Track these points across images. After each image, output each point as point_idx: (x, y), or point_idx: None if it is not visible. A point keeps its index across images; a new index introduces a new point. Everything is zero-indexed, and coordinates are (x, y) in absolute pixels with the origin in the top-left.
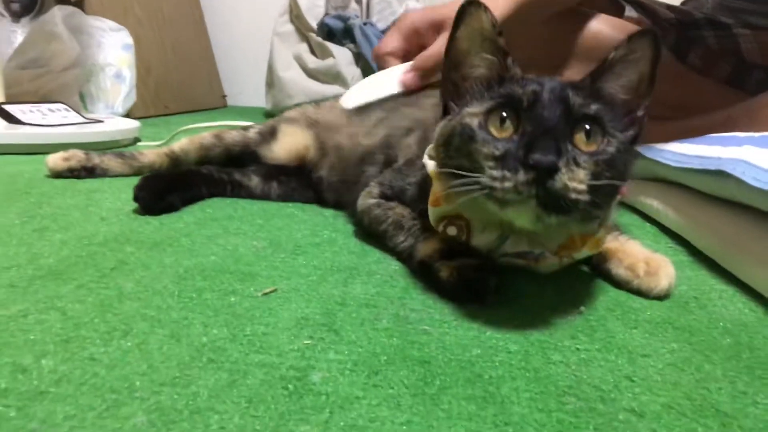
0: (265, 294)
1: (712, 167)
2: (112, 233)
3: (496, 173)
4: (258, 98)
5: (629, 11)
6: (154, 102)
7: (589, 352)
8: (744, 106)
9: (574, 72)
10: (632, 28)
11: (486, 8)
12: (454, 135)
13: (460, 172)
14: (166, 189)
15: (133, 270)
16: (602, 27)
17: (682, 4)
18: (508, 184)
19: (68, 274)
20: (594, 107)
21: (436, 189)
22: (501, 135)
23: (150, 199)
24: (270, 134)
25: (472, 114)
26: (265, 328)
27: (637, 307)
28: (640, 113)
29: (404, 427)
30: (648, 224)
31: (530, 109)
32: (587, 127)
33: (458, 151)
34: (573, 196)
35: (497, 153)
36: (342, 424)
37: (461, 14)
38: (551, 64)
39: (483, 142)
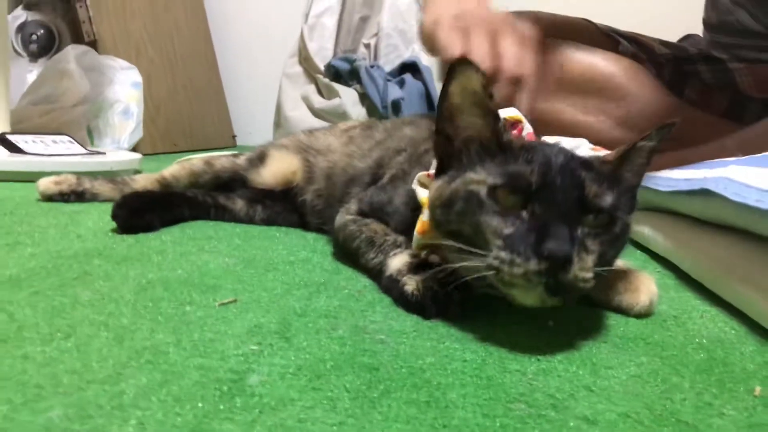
0: (223, 304)
1: (697, 187)
2: (84, 248)
3: (504, 255)
4: (266, 137)
5: (624, 46)
6: (163, 139)
7: (550, 363)
8: (736, 135)
9: (567, 104)
10: (626, 62)
11: (477, 69)
12: (456, 200)
13: (458, 244)
14: (145, 208)
15: (94, 281)
16: (596, 60)
17: (679, 41)
18: (517, 270)
19: (28, 282)
20: (609, 199)
21: (425, 218)
22: (509, 209)
23: (128, 217)
24: (259, 159)
25: (477, 182)
26: (214, 335)
27: (610, 323)
28: (636, 195)
29: (335, 428)
30: (638, 251)
31: (540, 192)
32: (599, 215)
33: (461, 217)
34: (581, 285)
35: (506, 232)
36: (269, 423)
37: (453, 70)
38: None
39: (491, 216)
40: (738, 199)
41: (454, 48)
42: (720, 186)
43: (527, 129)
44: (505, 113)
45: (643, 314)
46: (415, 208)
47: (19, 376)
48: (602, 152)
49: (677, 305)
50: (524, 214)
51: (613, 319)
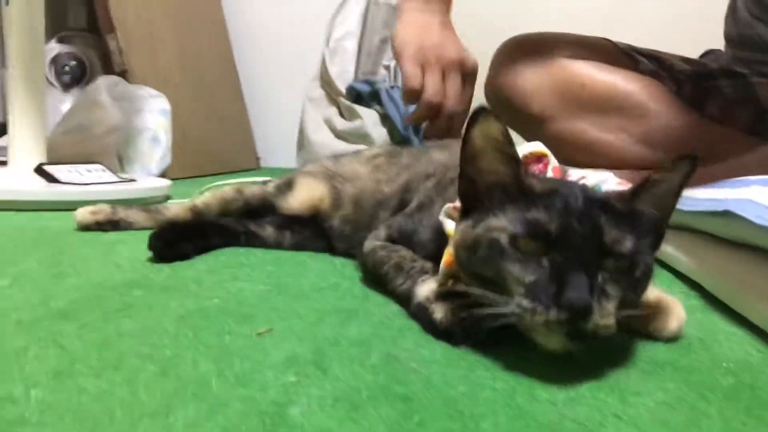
0: (260, 334)
1: (720, 208)
2: (124, 279)
3: (526, 304)
4: (290, 159)
5: (644, 64)
6: (190, 164)
7: (578, 391)
8: (759, 152)
9: (588, 123)
10: (647, 80)
11: (497, 117)
12: (480, 246)
13: (479, 291)
14: (180, 238)
15: (136, 312)
16: (616, 79)
17: (701, 56)
18: (539, 319)
19: (75, 314)
20: (629, 244)
21: (451, 251)
22: (530, 256)
23: (163, 247)
24: (287, 186)
25: (499, 229)
26: (253, 365)
27: (636, 348)
28: (664, 227)
29: None
30: (664, 270)
31: (560, 239)
32: (619, 260)
33: (484, 262)
34: (602, 332)
35: (528, 280)
36: None
37: (474, 118)
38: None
39: (513, 264)
40: (761, 222)
41: (414, 81)
42: (742, 208)
43: (553, 163)
44: (530, 148)
45: (671, 338)
46: (442, 238)
47: (76, 410)
48: (627, 186)
49: (703, 327)
50: (545, 261)
51: (640, 344)
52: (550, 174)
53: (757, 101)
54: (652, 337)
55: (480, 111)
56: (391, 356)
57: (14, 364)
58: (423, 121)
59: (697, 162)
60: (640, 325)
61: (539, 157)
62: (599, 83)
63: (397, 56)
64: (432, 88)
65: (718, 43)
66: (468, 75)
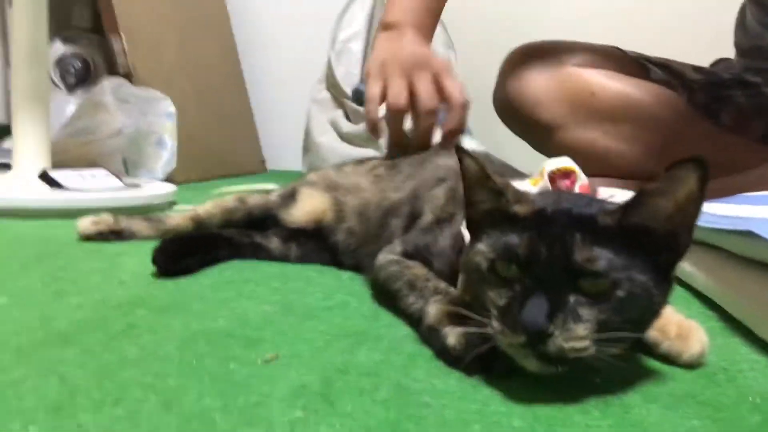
0: (266, 361)
1: (741, 227)
2: (127, 297)
3: (497, 326)
4: (296, 162)
5: (654, 72)
6: (195, 167)
7: (600, 428)
8: None
9: (600, 132)
10: (658, 89)
11: (469, 155)
12: (469, 270)
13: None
14: (184, 252)
15: (139, 334)
16: (627, 88)
17: (712, 65)
18: (506, 341)
19: (76, 337)
20: (603, 263)
21: None
22: (507, 280)
23: (167, 261)
24: (290, 197)
25: (480, 254)
26: (259, 398)
27: (658, 379)
28: (682, 240)
29: None
30: (679, 287)
31: (528, 263)
32: (595, 280)
33: (473, 285)
34: (572, 355)
35: (500, 303)
36: None
37: (458, 155)
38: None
39: (491, 287)
40: None
41: (374, 91)
42: (765, 230)
43: (581, 180)
44: (557, 164)
45: (693, 364)
46: (461, 250)
47: None
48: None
49: (725, 355)
50: (518, 285)
51: (661, 373)
52: (576, 191)
53: None
54: (671, 360)
55: (458, 151)
56: (403, 387)
57: (12, 397)
58: (397, 131)
59: (705, 163)
60: (657, 342)
61: (567, 173)
62: (610, 92)
63: (366, 77)
64: (392, 92)
65: (728, 52)
66: (440, 72)
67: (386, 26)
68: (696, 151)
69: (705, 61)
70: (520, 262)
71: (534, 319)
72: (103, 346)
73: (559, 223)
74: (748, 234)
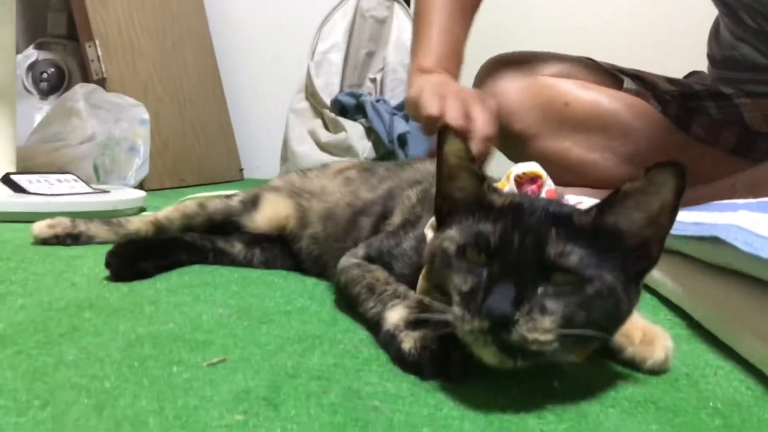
0: (211, 364)
1: (707, 234)
2: (76, 299)
3: (458, 311)
4: (274, 171)
5: (628, 83)
6: (170, 175)
7: None
8: (747, 174)
9: (572, 142)
10: (631, 99)
11: (457, 135)
12: (435, 255)
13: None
14: (140, 255)
15: (82, 336)
16: (600, 98)
17: (685, 77)
18: (466, 327)
19: (13, 339)
20: (574, 258)
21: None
22: (473, 267)
23: (121, 265)
24: (252, 203)
25: (449, 239)
26: (199, 401)
27: (618, 384)
28: (654, 249)
29: None
30: (648, 295)
31: (499, 251)
32: (565, 275)
33: (438, 273)
34: (534, 347)
35: (464, 288)
36: None
37: (441, 137)
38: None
39: (456, 273)
40: (749, 250)
41: (432, 108)
42: (730, 235)
43: (548, 185)
44: (524, 168)
45: (656, 370)
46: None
47: None
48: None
49: (689, 360)
50: (485, 272)
51: (621, 378)
52: (543, 196)
53: (742, 122)
54: (634, 366)
55: (443, 131)
56: (353, 391)
57: None
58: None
59: (685, 170)
60: (621, 348)
61: (533, 178)
62: (583, 102)
63: (413, 105)
64: (453, 112)
65: (701, 64)
66: (490, 108)
67: (423, 70)
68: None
69: (678, 73)
70: (490, 250)
71: (499, 305)
72: (40, 348)
73: (534, 216)
74: (714, 240)
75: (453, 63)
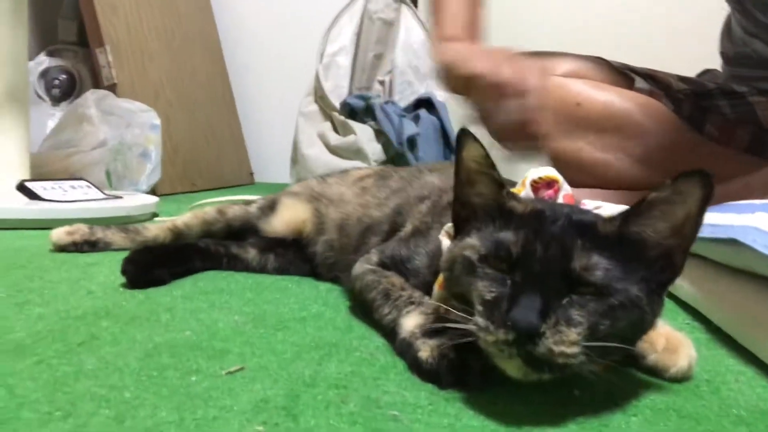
0: (230, 373)
1: (724, 236)
2: (93, 307)
3: (481, 322)
4: (284, 174)
5: (640, 83)
6: (181, 180)
7: None
8: (762, 173)
9: (585, 142)
10: (643, 99)
11: (476, 140)
12: (456, 263)
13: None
14: (155, 262)
15: (100, 346)
16: (612, 98)
17: (698, 76)
18: (490, 338)
19: (33, 348)
20: (600, 272)
21: None
22: (497, 276)
23: (137, 272)
24: (270, 208)
25: (470, 247)
26: (218, 411)
27: (640, 392)
28: (678, 259)
29: None
30: (666, 298)
31: (522, 261)
32: (586, 287)
33: (458, 281)
34: (560, 360)
35: (488, 297)
36: None
37: (459, 141)
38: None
39: (479, 280)
40: None
41: (479, 65)
42: (749, 237)
43: (565, 190)
44: (540, 173)
45: (679, 379)
46: (437, 264)
47: None
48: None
49: (709, 366)
50: (508, 281)
51: (642, 386)
52: (560, 201)
53: (756, 120)
54: (657, 374)
55: (462, 135)
56: (371, 400)
57: None
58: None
59: (712, 180)
60: (644, 355)
61: (550, 183)
62: (595, 102)
63: (448, 66)
64: (506, 72)
65: (714, 62)
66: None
67: (448, 38)
68: (683, 162)
69: (690, 71)
70: (512, 259)
71: (525, 317)
72: (60, 358)
73: (557, 225)
74: (732, 242)
75: (477, 32)
